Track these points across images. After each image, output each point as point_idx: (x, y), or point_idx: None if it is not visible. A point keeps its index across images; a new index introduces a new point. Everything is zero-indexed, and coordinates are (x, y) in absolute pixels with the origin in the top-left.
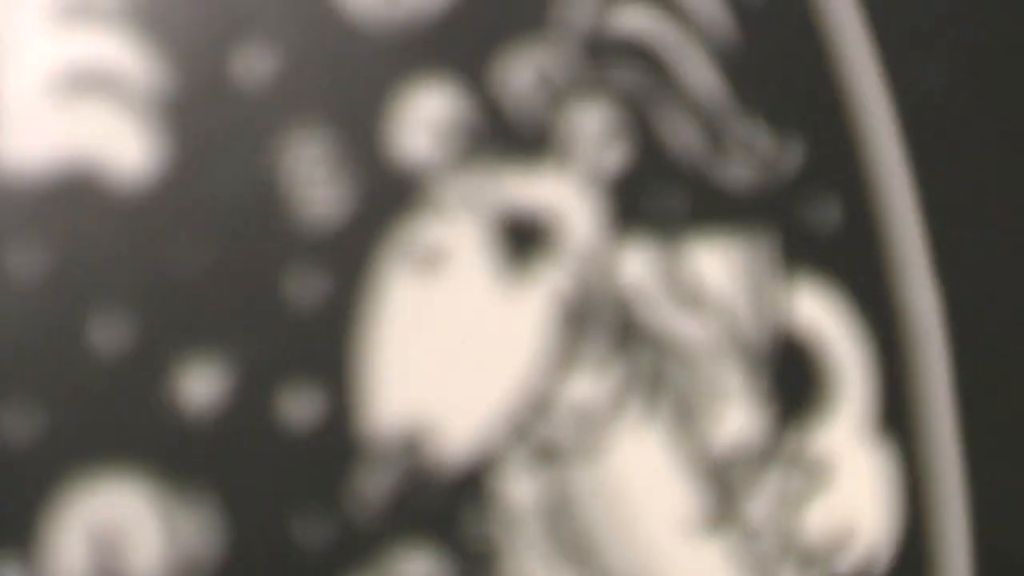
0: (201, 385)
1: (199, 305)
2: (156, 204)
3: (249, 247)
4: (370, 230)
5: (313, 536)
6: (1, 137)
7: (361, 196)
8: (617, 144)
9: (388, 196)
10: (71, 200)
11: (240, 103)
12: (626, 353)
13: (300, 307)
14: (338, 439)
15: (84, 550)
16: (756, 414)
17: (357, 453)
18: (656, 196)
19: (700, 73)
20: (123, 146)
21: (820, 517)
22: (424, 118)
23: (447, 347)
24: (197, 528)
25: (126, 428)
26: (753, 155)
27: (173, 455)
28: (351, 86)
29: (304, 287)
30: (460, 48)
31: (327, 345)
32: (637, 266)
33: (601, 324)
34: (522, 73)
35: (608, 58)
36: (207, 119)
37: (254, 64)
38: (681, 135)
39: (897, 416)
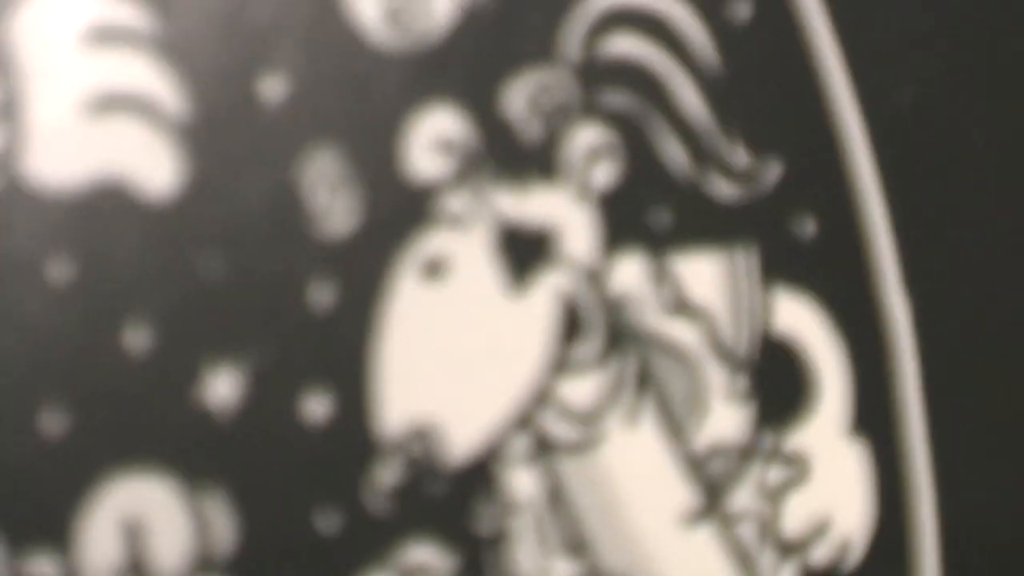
0: (223, 386)
1: (222, 311)
2: (182, 217)
3: (269, 257)
4: (382, 241)
5: (328, 527)
6: (37, 154)
7: (374, 210)
8: (610, 162)
9: (399, 210)
10: (103, 213)
11: (261, 123)
12: (617, 355)
13: (316, 313)
14: (352, 436)
15: (114, 541)
16: (739, 413)
17: (369, 449)
18: (646, 210)
19: (688, 94)
20: (151, 163)
21: (798, 510)
22: (433, 137)
23: (453, 350)
24: (219, 520)
25: (154, 426)
26: (736, 171)
27: (197, 451)
28: (365, 108)
29: (320, 294)
30: (466, 72)
31: (342, 348)
32: (628, 275)
33: (595, 329)
34: (523, 95)
35: (602, 81)
36: (230, 138)
37: (274, 87)
38: (670, 153)
39: (871, 416)
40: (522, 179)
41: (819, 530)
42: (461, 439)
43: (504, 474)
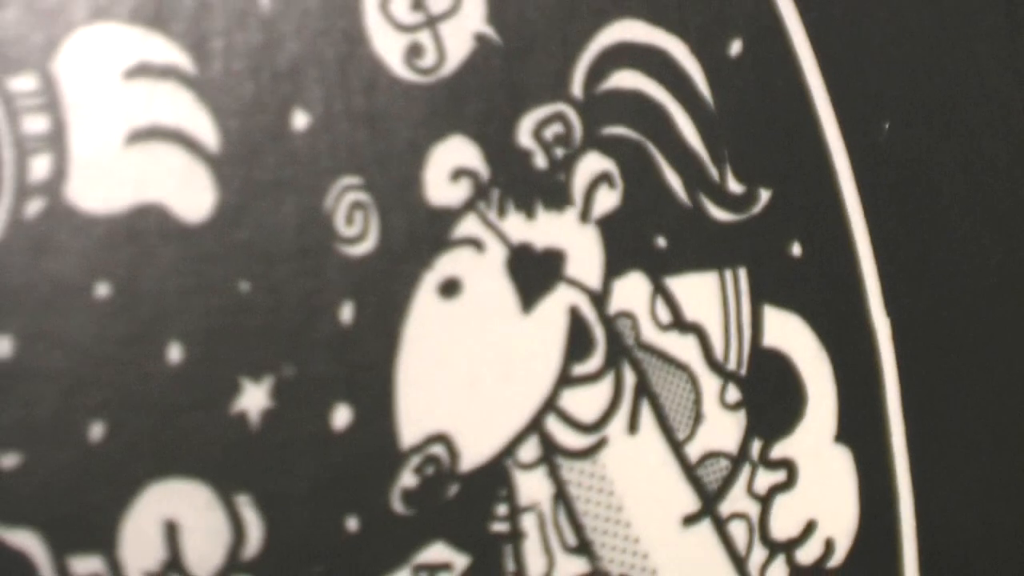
0: (254, 397)
1: (253, 328)
2: (216, 240)
3: (297, 278)
4: (402, 263)
5: (350, 529)
6: (81, 181)
7: (394, 233)
8: (612, 189)
9: (418, 233)
10: (143, 236)
11: (290, 153)
12: (617, 368)
13: (341, 329)
14: (373, 444)
15: (153, 541)
16: (731, 422)
17: (389, 456)
18: (645, 233)
19: (684, 125)
20: (188, 190)
21: (787, 511)
22: (449, 166)
23: (467, 363)
24: (250, 522)
25: (190, 435)
26: (729, 198)
27: (230, 458)
28: (387, 139)
29: (344, 312)
30: (480, 106)
31: (364, 362)
32: (629, 293)
33: (597, 343)
34: (532, 128)
35: (605, 114)
36: (262, 167)
37: (302, 120)
38: (667, 181)
39: (855, 425)
40: (531, 205)
41: (806, 530)
42: (474, 446)
43: (513, 479)
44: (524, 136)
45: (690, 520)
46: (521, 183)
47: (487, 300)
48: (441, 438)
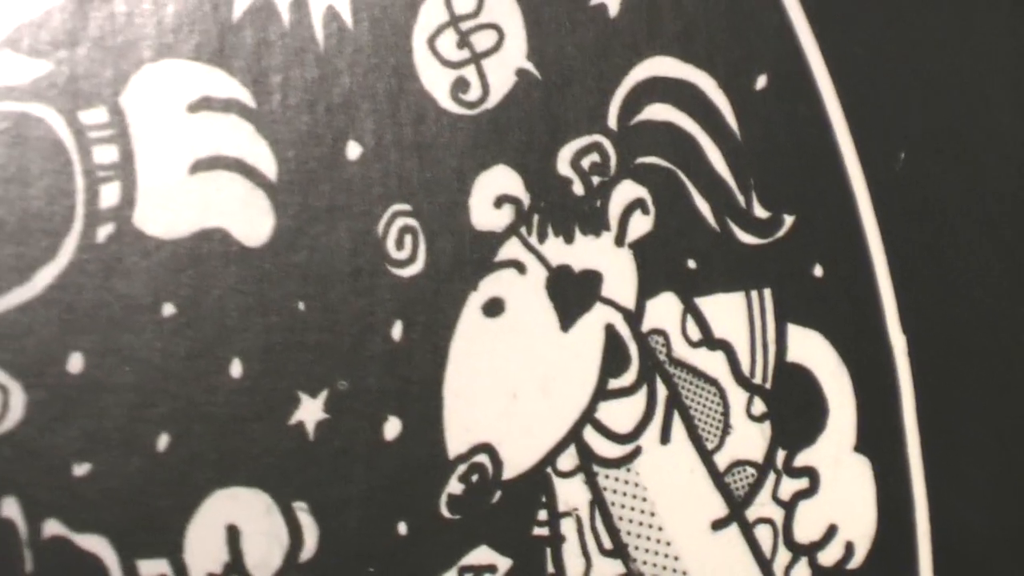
0: (310, 410)
1: (309, 344)
2: (275, 262)
3: (350, 297)
4: (449, 283)
5: (400, 533)
6: (147, 207)
7: (441, 256)
8: (645, 214)
9: (463, 256)
10: (206, 259)
11: (344, 181)
12: (652, 382)
13: (391, 346)
14: (421, 454)
15: (216, 545)
16: (757, 433)
17: (437, 465)
18: (677, 256)
19: (713, 155)
20: (248, 216)
21: (809, 517)
22: (493, 193)
23: (511, 377)
24: (306, 527)
25: (251, 445)
26: (754, 222)
27: (287, 467)
28: (434, 167)
29: (394, 329)
30: (522, 137)
31: (413, 377)
32: (662, 312)
33: (632, 359)
34: (571, 156)
35: (638, 144)
36: (317, 194)
37: (355, 149)
38: (697, 207)
39: (874, 436)
40: (569, 229)
41: (827, 534)
42: (516, 456)
43: (553, 486)
44: (563, 165)
45: (719, 525)
46: (560, 209)
47: (528, 318)
48: (485, 448)
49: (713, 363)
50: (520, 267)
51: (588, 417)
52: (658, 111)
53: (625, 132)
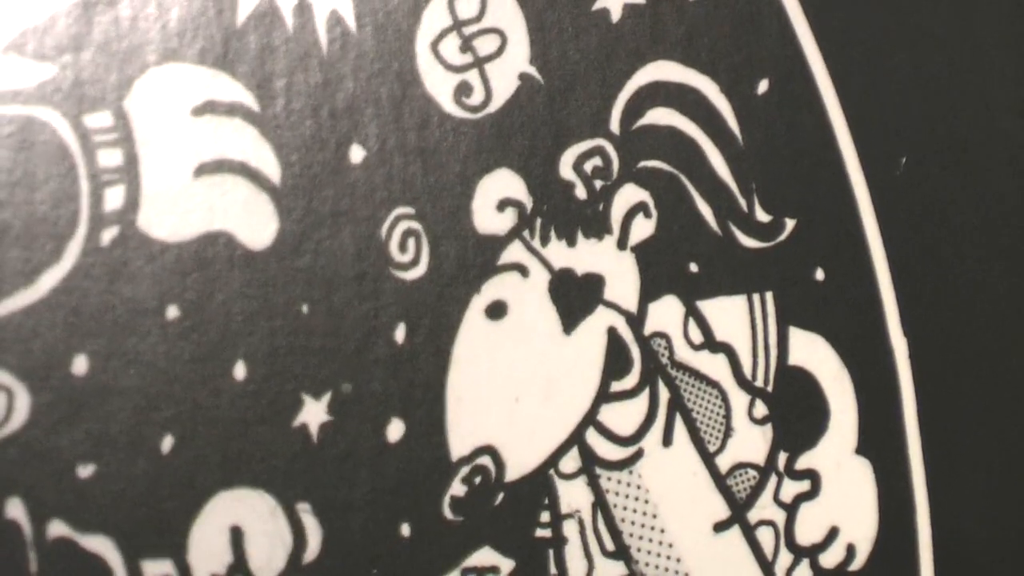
0: (315, 411)
1: (314, 347)
2: (279, 266)
3: (354, 300)
4: (452, 287)
5: (403, 535)
6: (152, 210)
7: (445, 259)
8: (649, 219)
9: (467, 259)
10: (210, 262)
11: (348, 184)
12: (654, 385)
13: (395, 348)
14: (425, 456)
15: (220, 546)
16: (759, 435)
17: (440, 467)
18: (680, 259)
19: (715, 159)
20: (252, 220)
21: (811, 519)
22: (496, 197)
23: (514, 380)
24: (310, 528)
25: (255, 447)
26: (756, 226)
27: (292, 469)
28: (438, 171)
29: (398, 332)
30: (524, 141)
31: (417, 379)
32: (664, 315)
33: (634, 362)
34: (574, 161)
35: (641, 148)
36: (321, 198)
37: (359, 155)
38: (699, 210)
39: (875, 438)
40: (572, 233)
41: (829, 536)
42: (519, 458)
43: (556, 488)
44: (565, 169)
45: (721, 527)
46: (563, 213)
47: (531, 321)
48: (488, 450)
49: (715, 366)
50: (523, 270)
51: (590, 419)
52: (660, 115)
53: (627, 136)
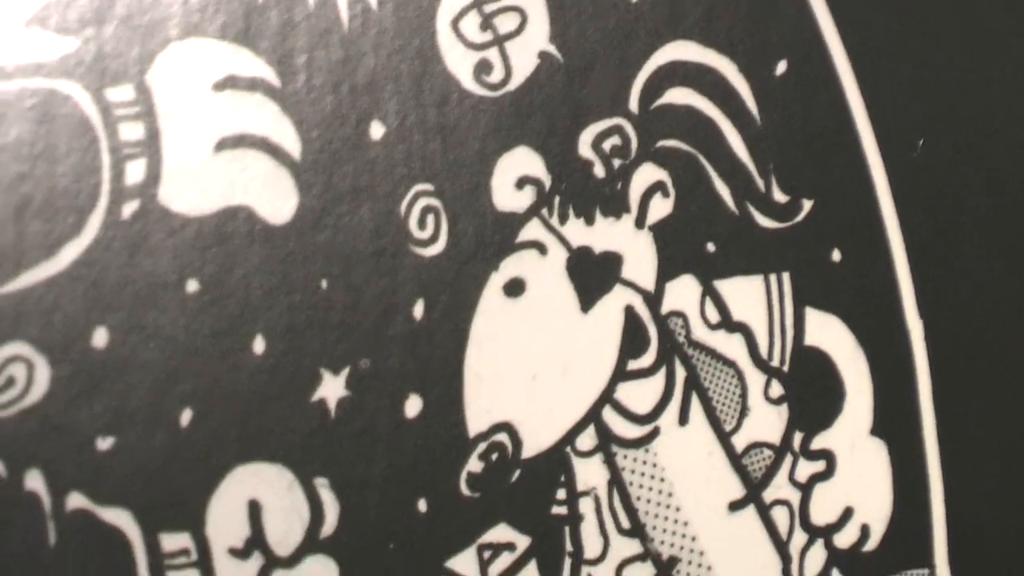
0: (333, 386)
1: (333, 323)
2: (299, 241)
3: (373, 276)
4: (470, 264)
5: (420, 510)
6: (173, 184)
7: (464, 236)
8: (667, 198)
9: (485, 237)
10: (231, 237)
11: (368, 161)
12: (671, 364)
13: (413, 325)
14: (442, 432)
15: (237, 520)
16: (775, 416)
17: (457, 444)
18: (697, 239)
19: (733, 139)
20: (272, 195)
21: (826, 499)
22: (515, 174)
23: (531, 357)
24: (327, 503)
25: (273, 422)
26: (774, 207)
27: (310, 444)
28: (457, 148)
29: (417, 309)
30: (544, 119)
31: (435, 356)
32: (681, 295)
33: (651, 341)
34: (592, 139)
35: (659, 127)
36: (341, 174)
37: (379, 131)
38: (717, 191)
39: (890, 419)
40: (590, 211)
41: (843, 516)
42: (535, 435)
43: (572, 465)
44: (584, 147)
45: (736, 506)
46: (581, 191)
47: (549, 299)
48: (505, 427)
49: (731, 346)
50: (541, 248)
51: (607, 398)
52: (679, 95)
53: (646, 116)
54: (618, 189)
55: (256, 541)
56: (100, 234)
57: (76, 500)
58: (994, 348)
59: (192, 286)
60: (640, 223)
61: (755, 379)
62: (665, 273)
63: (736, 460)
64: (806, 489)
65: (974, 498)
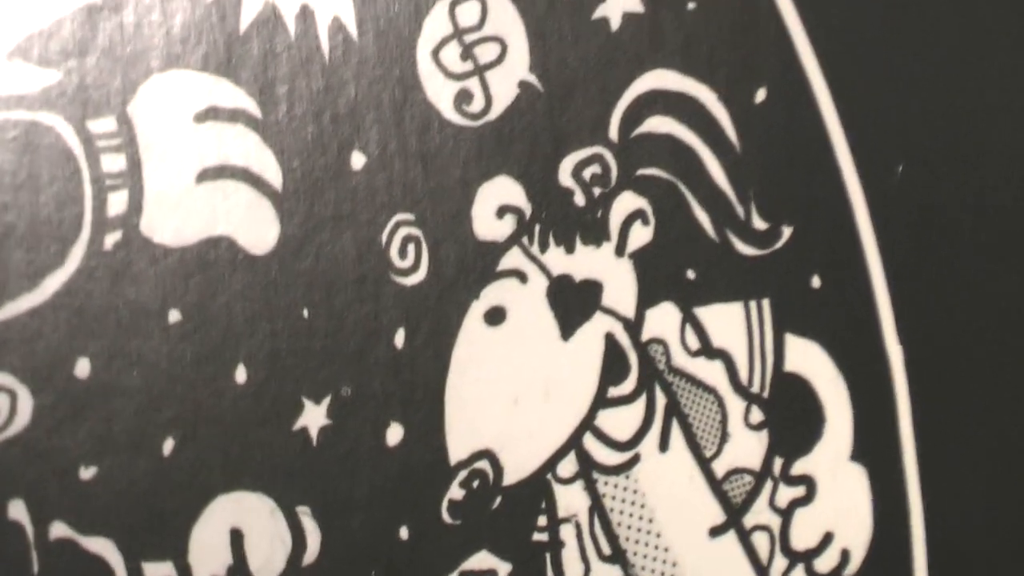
0: (315, 414)
1: (314, 350)
2: (280, 270)
3: (354, 304)
4: (451, 292)
5: (402, 537)
6: (154, 214)
7: (445, 264)
8: (647, 226)
9: (466, 264)
10: (212, 266)
11: (349, 190)
12: (651, 391)
13: (395, 352)
14: (424, 459)
15: (220, 547)
16: (755, 441)
17: (439, 470)
18: (677, 266)
19: (713, 166)
20: (254, 225)
21: (806, 524)
22: (495, 203)
23: (512, 385)
24: (309, 530)
25: (256, 449)
26: (753, 233)
27: (292, 471)
28: (438, 177)
29: (398, 337)
30: (524, 148)
31: (416, 383)
32: (661, 322)
33: (632, 368)
34: (573, 168)
35: (639, 155)
36: (322, 202)
37: (360, 160)
38: (697, 217)
39: (870, 444)
40: (570, 239)
41: (823, 541)
42: (517, 462)
43: (553, 492)
44: (564, 176)
45: (716, 531)
46: (561, 219)
47: (529, 327)
48: (486, 454)
49: (712, 372)
50: (522, 276)
51: (588, 424)
52: (659, 123)
53: (626, 144)
54: (598, 217)
55: (238, 569)
56: (83, 264)
57: (59, 529)
58: (974, 373)
59: (174, 315)
60: (620, 251)
61: (735, 405)
62: (645, 300)
63: (717, 486)
64: (786, 514)
65: (954, 523)
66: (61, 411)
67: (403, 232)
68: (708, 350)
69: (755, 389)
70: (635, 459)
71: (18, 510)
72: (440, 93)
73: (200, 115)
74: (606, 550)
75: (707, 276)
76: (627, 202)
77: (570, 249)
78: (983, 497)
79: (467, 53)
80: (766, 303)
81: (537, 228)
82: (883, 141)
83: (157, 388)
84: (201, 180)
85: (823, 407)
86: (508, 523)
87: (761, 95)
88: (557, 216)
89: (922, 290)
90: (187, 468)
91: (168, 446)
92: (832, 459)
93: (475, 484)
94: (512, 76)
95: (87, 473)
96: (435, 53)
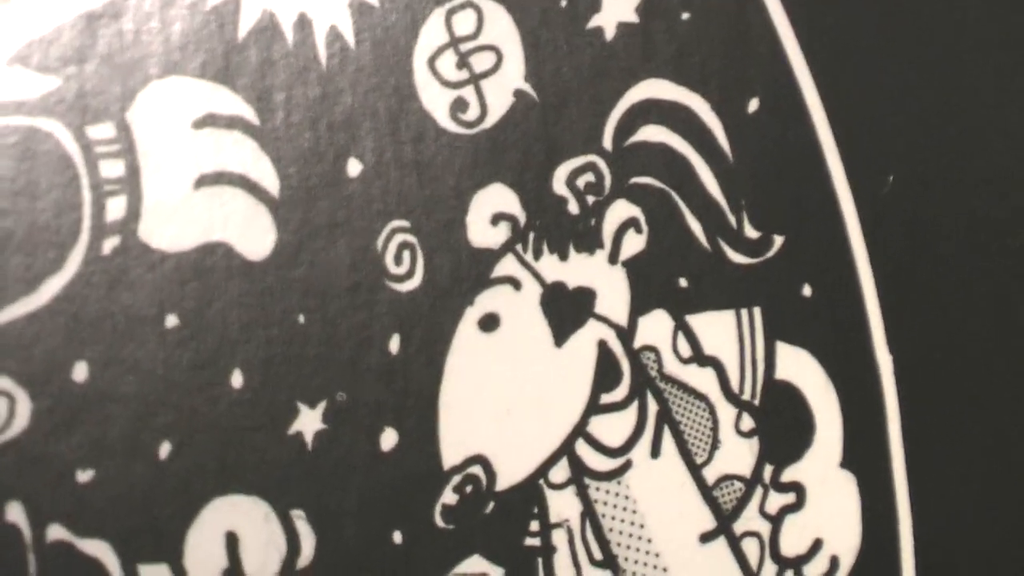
0: (310, 420)
1: (310, 357)
2: (276, 277)
3: (349, 311)
4: (446, 299)
5: (395, 542)
6: (152, 220)
7: (439, 272)
8: (640, 234)
9: (460, 272)
10: (210, 273)
11: (345, 197)
12: (643, 398)
13: (389, 359)
14: (417, 465)
15: (215, 552)
16: (745, 448)
17: (432, 476)
18: (670, 274)
19: (705, 176)
20: (251, 231)
21: (795, 530)
22: (490, 211)
23: (505, 391)
24: (303, 535)
25: (251, 454)
26: (745, 242)
27: (287, 476)
28: (433, 185)
29: (393, 343)
30: (518, 157)
31: (410, 390)
32: (653, 329)
33: (624, 375)
34: (567, 176)
35: (632, 164)
36: (318, 210)
37: (356, 168)
38: (689, 226)
39: (860, 452)
40: (564, 247)
41: (813, 548)
42: (509, 467)
43: (545, 497)
44: (558, 184)
45: (707, 537)
46: (555, 227)
47: (523, 334)
48: (479, 460)
49: (703, 379)
50: (515, 283)
51: (580, 431)
52: (652, 132)
53: (620, 153)
54: (592, 225)
55: (233, 572)
56: (81, 269)
57: (56, 532)
58: (963, 382)
59: (171, 320)
60: (613, 259)
61: (726, 412)
62: (638, 308)
63: (707, 492)
64: (776, 521)
65: (942, 530)
66: (59, 415)
67: (398, 239)
68: (700, 358)
69: (746, 397)
70: (627, 465)
71: (16, 512)
72: (436, 101)
73: (198, 122)
74: (597, 555)
75: (699, 284)
76: (620, 210)
77: (564, 257)
78: (971, 504)
79: (463, 62)
80: (757, 311)
81: (531, 236)
82: (874, 151)
83: (154, 392)
84: (199, 186)
85: (813, 415)
86: (501, 528)
87: (754, 105)
88: (551, 224)
89: (912, 299)
90: (183, 472)
91: (164, 450)
92: (822, 466)
93: (468, 489)
94: (507, 85)
95: (84, 476)
96: (431, 62)
